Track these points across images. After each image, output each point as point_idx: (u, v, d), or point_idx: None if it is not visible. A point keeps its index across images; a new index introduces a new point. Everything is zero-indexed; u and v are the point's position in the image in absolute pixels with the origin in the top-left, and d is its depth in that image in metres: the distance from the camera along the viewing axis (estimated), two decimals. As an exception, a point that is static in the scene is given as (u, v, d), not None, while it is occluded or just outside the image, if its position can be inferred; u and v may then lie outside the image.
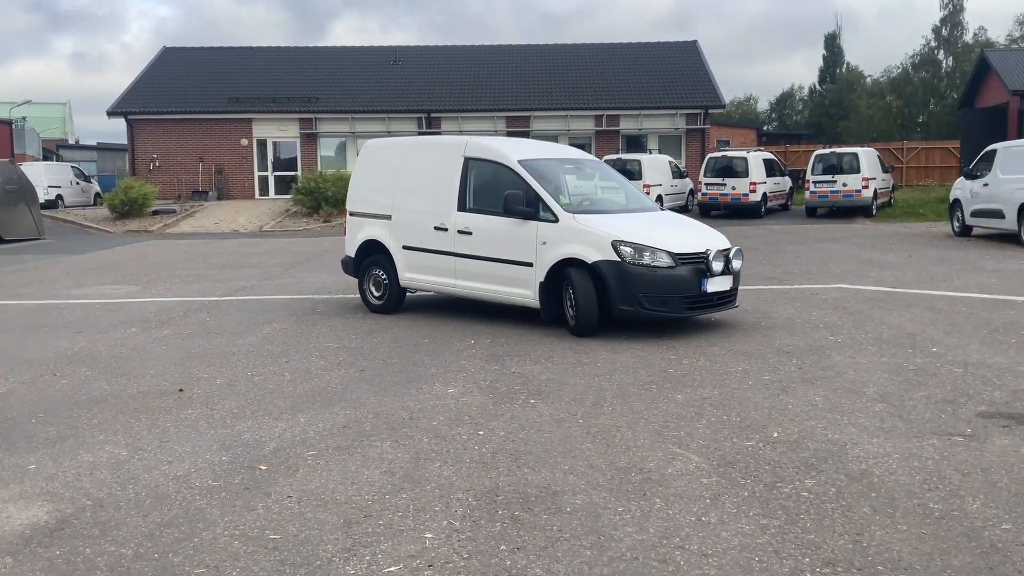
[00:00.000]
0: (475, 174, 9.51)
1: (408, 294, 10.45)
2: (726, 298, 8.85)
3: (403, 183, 10.17)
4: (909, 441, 5.12)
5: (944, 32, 63.73)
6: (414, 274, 9.97)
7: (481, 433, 5.50)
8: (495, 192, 9.16)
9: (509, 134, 33.42)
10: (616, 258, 8.29)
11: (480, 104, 34.28)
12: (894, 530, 3.90)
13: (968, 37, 62.61)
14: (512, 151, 9.50)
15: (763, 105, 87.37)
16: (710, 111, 34.40)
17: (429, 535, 3.99)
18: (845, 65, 75.62)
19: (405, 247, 9.99)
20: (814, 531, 3.92)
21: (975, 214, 17.88)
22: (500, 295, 9.25)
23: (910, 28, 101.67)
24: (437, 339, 8.57)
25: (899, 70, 65.55)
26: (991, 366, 6.85)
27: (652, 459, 4.94)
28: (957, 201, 18.89)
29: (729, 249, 8.80)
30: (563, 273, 8.55)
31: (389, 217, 10.15)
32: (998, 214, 16.88)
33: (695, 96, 34.31)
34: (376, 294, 10.35)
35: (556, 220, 8.68)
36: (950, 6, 62.41)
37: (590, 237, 8.45)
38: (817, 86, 77.16)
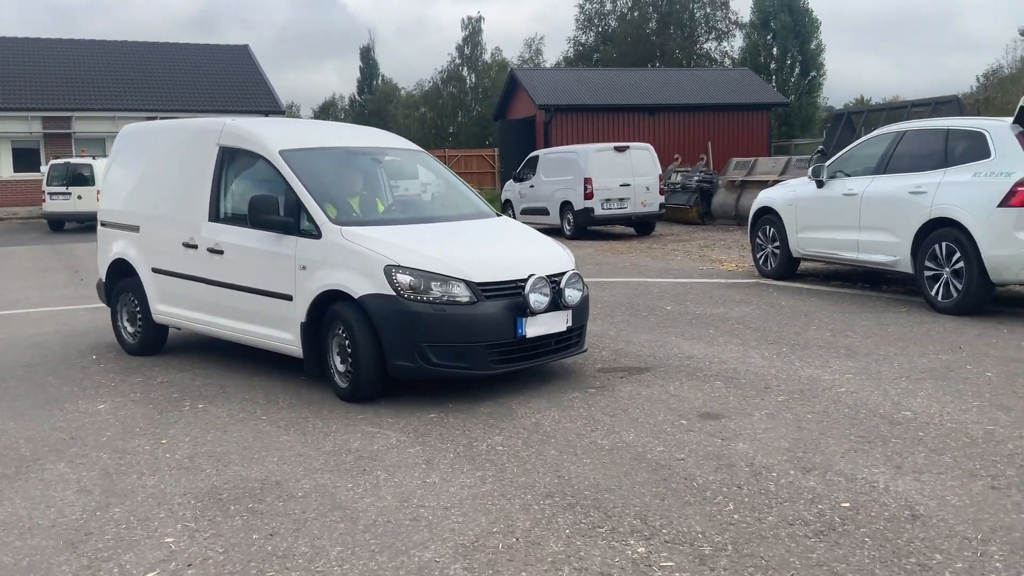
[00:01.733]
0: (232, 170, 7.10)
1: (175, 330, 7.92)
2: (563, 342, 6.38)
3: (151, 182, 7.80)
4: (558, 396, 6.03)
5: (467, 51, 70.53)
6: (168, 306, 7.48)
7: (164, 442, 5.28)
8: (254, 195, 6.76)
9: (47, 137, 30.17)
10: (389, 291, 5.80)
11: (10, 102, 30.32)
12: (582, 464, 4.68)
13: (487, 56, 70.04)
14: (274, 137, 6.91)
15: (306, 112, 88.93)
16: (269, 115, 34.33)
17: (170, 539, 3.87)
18: (381, 77, 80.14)
19: (155, 270, 7.54)
20: (523, 475, 4.55)
21: (524, 212, 20.43)
22: (259, 339, 6.72)
23: (438, 46, 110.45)
24: (50, 358, 7.75)
25: (430, 84, 71.12)
26: (592, 333, 8.17)
27: (354, 440, 5.21)
28: (508, 201, 21.41)
29: (561, 275, 6.34)
30: (332, 311, 6.10)
31: (137, 229, 7.76)
32: (544, 211, 19.55)
33: (254, 100, 33.99)
34: (130, 330, 7.88)
35: (318, 235, 6.21)
36: (470, 27, 69.19)
37: (358, 260, 5.97)
38: (357, 96, 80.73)
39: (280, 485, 4.50)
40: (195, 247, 7.05)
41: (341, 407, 5.90)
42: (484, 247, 6.57)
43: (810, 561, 3.46)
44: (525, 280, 6.01)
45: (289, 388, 6.46)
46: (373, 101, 76.75)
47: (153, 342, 7.80)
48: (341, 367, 6.07)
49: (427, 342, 5.77)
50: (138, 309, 7.75)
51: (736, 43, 57.32)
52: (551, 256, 6.58)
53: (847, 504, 3.99)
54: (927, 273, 8.67)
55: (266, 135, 6.96)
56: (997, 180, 8.06)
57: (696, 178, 21.84)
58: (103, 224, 8.28)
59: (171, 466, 4.84)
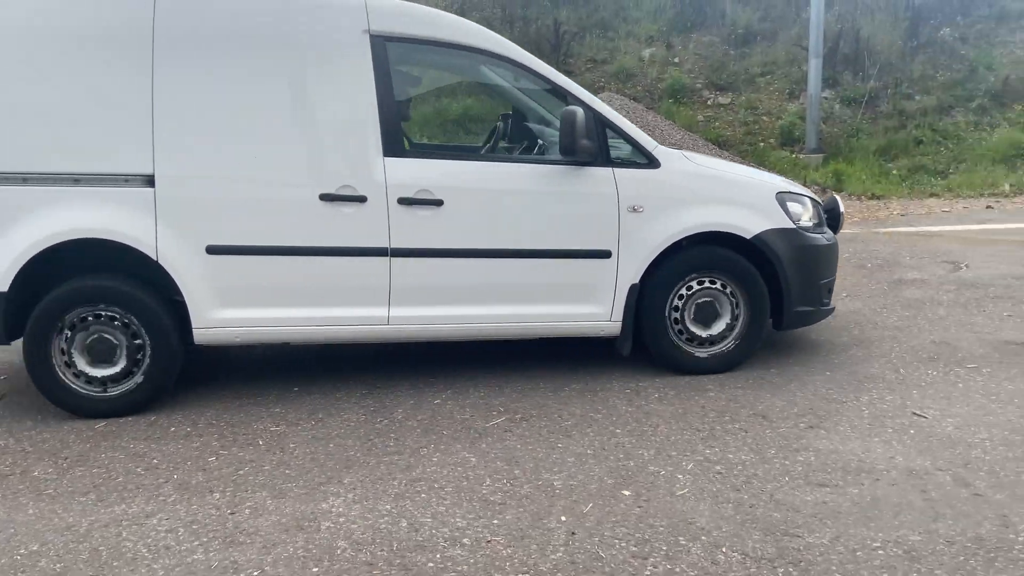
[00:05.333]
0: (403, 74, 4.82)
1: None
2: None
3: (188, 94, 4.30)
4: None
5: None
6: (249, 309, 4.40)
7: None
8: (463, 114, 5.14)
9: None
10: (788, 223, 4.94)
11: None
12: None
13: None
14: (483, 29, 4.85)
15: None
16: None
17: None
18: None
19: (218, 249, 4.31)
20: None
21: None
22: (523, 325, 4.69)
23: None
24: None
25: None
26: None
27: None
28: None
29: None
30: (669, 265, 4.78)
31: (146, 182, 4.25)
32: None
33: None
34: (99, 373, 4.31)
35: (652, 163, 4.78)
36: None
37: (740, 190, 4.96)
38: None
39: None
40: (358, 200, 4.43)
41: None
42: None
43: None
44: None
45: None
46: None
47: (156, 386, 4.43)
48: (702, 332, 4.92)
49: (824, 279, 5.16)
50: (132, 331, 4.35)
51: None
52: None
53: None
54: None
55: (469, 23, 4.91)
56: None
57: None
58: None
59: None
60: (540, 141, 5.26)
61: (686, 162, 4.95)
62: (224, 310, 4.40)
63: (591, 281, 4.73)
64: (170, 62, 4.29)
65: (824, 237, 5.16)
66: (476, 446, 3.94)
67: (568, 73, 18.65)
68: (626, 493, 3.45)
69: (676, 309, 4.87)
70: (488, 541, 3.08)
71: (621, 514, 3.27)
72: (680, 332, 4.90)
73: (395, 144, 4.53)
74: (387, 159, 4.48)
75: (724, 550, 3.00)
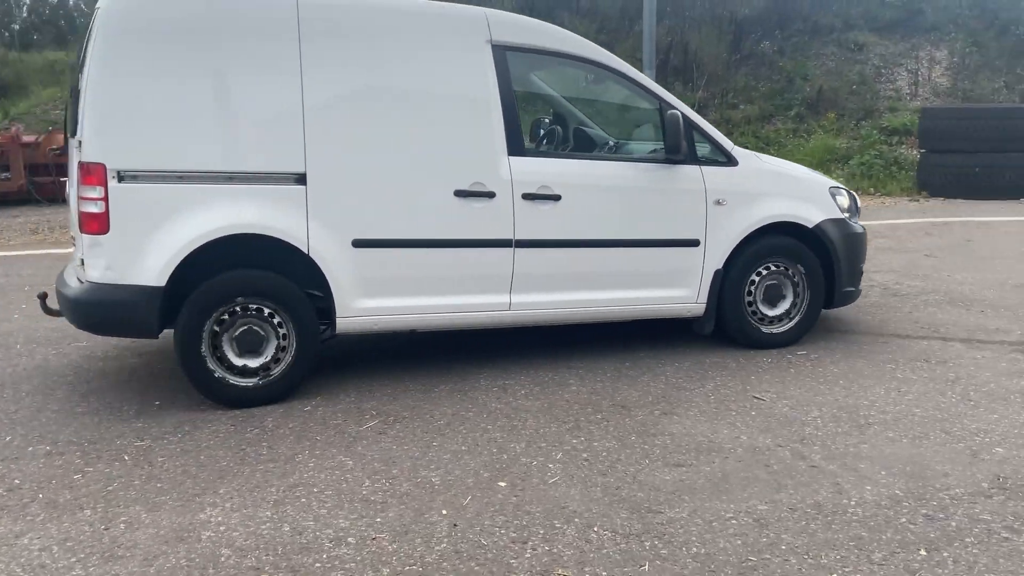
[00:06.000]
0: (517, 81, 5.06)
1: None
2: None
3: (335, 96, 4.55)
4: None
5: None
6: (388, 299, 4.71)
7: None
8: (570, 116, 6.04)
9: None
10: (839, 214, 5.60)
11: None
12: None
13: None
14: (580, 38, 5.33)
15: None
16: None
17: None
18: None
19: (363, 243, 4.59)
20: None
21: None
22: (623, 308, 5.24)
23: None
24: None
25: None
26: None
27: None
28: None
29: None
30: (746, 251, 5.39)
31: (298, 180, 4.46)
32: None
33: None
34: (250, 364, 4.51)
35: (731, 161, 5.38)
36: None
37: (803, 186, 5.63)
38: None
39: None
40: (486, 195, 4.77)
41: None
42: None
43: None
44: None
45: None
46: None
47: (294, 377, 4.62)
48: (771, 311, 5.56)
49: (863, 263, 5.80)
50: (278, 323, 4.53)
51: None
52: None
53: None
54: None
55: (572, 34, 5.29)
56: None
57: None
58: (127, 176, 4.23)
59: None
60: (610, 142, 5.85)
61: (758, 160, 5.56)
62: (366, 300, 4.66)
63: (683, 267, 5.27)
64: (317, 63, 4.47)
65: (860, 226, 5.82)
66: (352, 449, 4.01)
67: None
68: (502, 484, 3.62)
69: (750, 292, 5.46)
70: (373, 539, 3.18)
71: (499, 504, 3.44)
72: (753, 312, 5.50)
73: (517, 144, 4.87)
74: (511, 158, 4.84)
75: (596, 529, 3.23)
